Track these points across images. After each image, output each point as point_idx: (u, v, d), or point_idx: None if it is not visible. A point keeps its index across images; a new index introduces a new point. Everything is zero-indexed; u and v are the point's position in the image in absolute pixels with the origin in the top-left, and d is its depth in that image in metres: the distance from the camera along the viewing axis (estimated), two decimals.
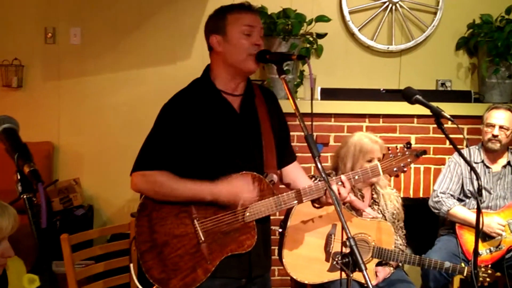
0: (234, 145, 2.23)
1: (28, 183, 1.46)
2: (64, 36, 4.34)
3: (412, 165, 2.41)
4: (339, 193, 2.23)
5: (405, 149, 2.36)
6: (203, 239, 2.18)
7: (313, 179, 2.55)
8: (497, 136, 3.52)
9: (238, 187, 2.15)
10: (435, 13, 4.35)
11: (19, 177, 1.47)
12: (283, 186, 2.41)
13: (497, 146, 3.54)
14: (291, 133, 2.51)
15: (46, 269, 1.52)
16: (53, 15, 4.33)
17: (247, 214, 2.20)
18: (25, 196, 1.45)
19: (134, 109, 4.33)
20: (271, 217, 2.39)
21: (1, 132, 1.57)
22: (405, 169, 2.36)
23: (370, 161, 3.05)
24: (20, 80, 4.31)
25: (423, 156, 2.42)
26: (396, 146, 2.39)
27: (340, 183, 2.26)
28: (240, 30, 2.17)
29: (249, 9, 2.23)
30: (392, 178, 3.56)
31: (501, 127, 3.52)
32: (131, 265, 2.36)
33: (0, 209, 1.77)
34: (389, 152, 2.37)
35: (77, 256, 2.70)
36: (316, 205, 2.35)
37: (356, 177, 2.31)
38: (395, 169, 2.34)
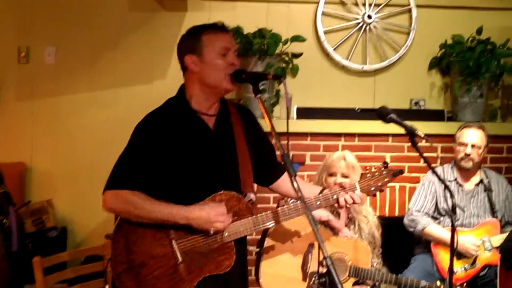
0: (208, 165, 2.22)
1: None
2: (39, 55, 4.31)
3: (383, 190, 2.42)
4: (345, 200, 2.29)
5: (382, 168, 2.38)
6: (180, 259, 2.16)
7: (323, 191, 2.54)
8: (469, 154, 3.55)
9: (211, 214, 2.13)
10: (408, 34, 4.42)
11: None
12: (261, 205, 2.42)
13: (469, 164, 3.58)
14: None
15: None
16: (27, 34, 4.29)
17: (226, 234, 2.19)
18: None
19: (109, 129, 4.29)
20: (249, 238, 2.38)
21: None
22: (382, 188, 2.38)
23: (331, 175, 3.09)
24: None
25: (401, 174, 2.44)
26: (373, 166, 2.40)
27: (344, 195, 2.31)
28: (216, 51, 2.18)
29: (223, 29, 2.24)
30: (368, 197, 3.58)
31: (473, 145, 3.56)
32: (107, 286, 2.32)
33: None
34: (367, 172, 2.38)
35: (50, 279, 2.65)
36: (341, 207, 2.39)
37: (334, 197, 2.32)
38: (372, 188, 2.36)
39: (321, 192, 2.37)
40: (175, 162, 2.17)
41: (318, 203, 2.29)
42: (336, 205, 2.32)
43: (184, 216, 2.13)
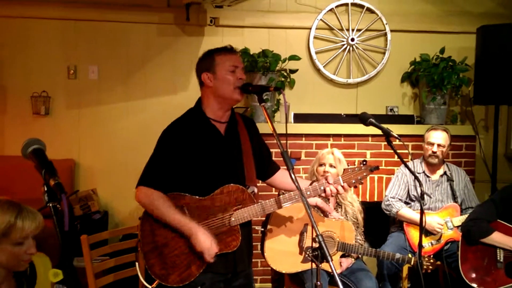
0: (220, 163, 2.22)
1: (53, 193, 1.45)
2: (84, 72, 4.32)
3: (369, 175, 2.41)
4: (331, 190, 2.27)
5: (362, 165, 2.36)
6: None
7: (313, 183, 2.53)
8: (435, 152, 3.54)
9: (207, 246, 2.12)
10: (384, 53, 4.41)
11: (45, 189, 1.46)
12: (262, 193, 2.41)
13: (435, 161, 3.56)
14: (270, 150, 2.52)
15: (68, 264, 1.49)
16: (74, 55, 4.30)
17: (232, 219, 2.19)
18: (50, 205, 1.44)
19: (140, 132, 4.30)
20: (255, 219, 2.38)
21: (31, 152, 1.56)
22: (362, 181, 2.36)
23: (321, 165, 3.09)
24: (47, 108, 4.26)
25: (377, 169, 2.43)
26: (354, 162, 2.40)
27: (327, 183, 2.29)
28: (226, 69, 2.19)
29: (232, 51, 2.25)
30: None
31: (439, 145, 3.54)
32: (137, 263, 2.33)
33: (25, 212, 1.75)
34: (349, 167, 2.38)
35: (95, 253, 2.65)
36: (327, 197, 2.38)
37: (322, 188, 2.31)
38: (353, 181, 2.35)
39: (311, 184, 2.36)
40: (193, 161, 2.18)
41: (308, 193, 2.28)
42: (323, 194, 2.30)
43: (189, 230, 2.13)
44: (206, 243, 2.12)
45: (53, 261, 2.14)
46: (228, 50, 2.24)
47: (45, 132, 4.18)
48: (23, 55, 4.25)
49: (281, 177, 2.45)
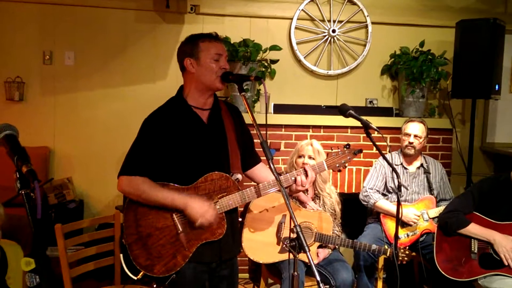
0: (203, 150, 2.20)
1: (26, 181, 1.41)
2: (60, 58, 4.23)
3: (346, 166, 2.41)
4: (301, 180, 2.23)
5: (345, 148, 2.37)
6: (181, 229, 2.14)
7: (281, 175, 2.54)
8: (412, 143, 3.58)
9: (204, 209, 2.11)
10: (365, 45, 4.42)
11: (18, 176, 1.43)
12: (247, 183, 2.40)
13: (412, 151, 3.60)
14: None
15: (41, 253, 1.47)
16: (50, 40, 4.21)
17: (218, 207, 2.17)
18: (23, 192, 1.41)
19: (118, 120, 4.24)
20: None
21: (3, 138, 1.52)
22: (346, 164, 2.36)
23: (300, 156, 3.11)
24: (21, 94, 4.17)
25: (355, 159, 2.44)
26: (338, 146, 2.40)
27: (304, 172, 2.26)
28: (210, 56, 2.17)
29: (217, 39, 2.22)
30: (331, 176, 3.59)
31: (415, 136, 3.59)
32: (121, 255, 2.29)
33: None
34: (332, 151, 2.37)
35: (69, 243, 2.62)
36: (293, 194, 2.35)
37: (293, 178, 2.27)
38: (337, 165, 2.34)
39: (280, 175, 2.35)
40: (176, 149, 2.16)
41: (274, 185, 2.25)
42: (294, 184, 2.27)
43: (183, 202, 2.11)
44: (203, 207, 2.10)
45: (26, 250, 2.11)
46: (213, 37, 2.21)
47: (19, 118, 4.09)
48: None
49: (261, 170, 2.43)
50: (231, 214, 2.25)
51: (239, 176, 2.27)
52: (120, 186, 2.15)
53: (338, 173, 2.49)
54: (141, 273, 2.14)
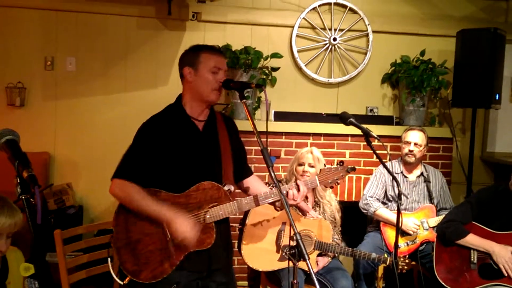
0: (196, 159, 2.21)
1: (26, 186, 1.42)
2: (61, 63, 4.24)
3: (339, 184, 2.41)
4: (293, 194, 2.22)
5: (338, 165, 2.37)
6: (169, 237, 2.14)
7: (269, 186, 2.55)
8: (412, 151, 3.59)
9: (187, 229, 2.10)
10: (366, 54, 4.44)
11: (18, 181, 1.43)
12: (238, 191, 2.40)
13: (412, 159, 3.61)
14: (251, 148, 2.53)
15: (41, 259, 1.47)
16: (52, 46, 4.22)
17: (208, 216, 2.17)
18: (23, 197, 1.41)
19: (119, 126, 4.25)
20: (233, 217, 2.37)
21: (4, 143, 1.53)
22: (338, 181, 2.37)
23: (300, 164, 3.10)
24: (22, 100, 4.17)
25: (357, 166, 2.44)
26: (333, 162, 2.40)
27: (296, 186, 2.25)
28: (209, 68, 2.18)
29: (219, 52, 2.23)
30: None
31: (415, 144, 3.59)
32: (109, 259, 2.30)
33: (5, 209, 1.71)
34: (325, 168, 2.38)
35: (68, 248, 2.61)
36: (277, 208, 2.33)
37: (284, 192, 2.25)
38: (330, 181, 2.35)
39: (280, 182, 2.35)
40: (169, 156, 2.16)
41: (273, 195, 2.24)
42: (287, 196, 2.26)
43: (168, 218, 2.10)
44: (185, 226, 2.10)
45: (26, 255, 2.11)
46: (215, 50, 2.22)
47: (19, 124, 4.08)
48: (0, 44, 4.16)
49: (252, 182, 2.44)
50: (222, 224, 2.25)
51: (231, 187, 2.27)
52: (112, 189, 2.16)
53: (333, 187, 2.46)
54: (128, 278, 2.15)
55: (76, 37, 4.24)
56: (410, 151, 3.58)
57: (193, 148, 2.20)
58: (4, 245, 1.74)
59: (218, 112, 2.39)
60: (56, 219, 3.87)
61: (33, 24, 4.19)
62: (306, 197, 3.16)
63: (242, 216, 2.89)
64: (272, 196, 2.23)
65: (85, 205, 4.26)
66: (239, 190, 2.44)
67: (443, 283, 2.95)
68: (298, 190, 2.25)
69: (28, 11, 4.17)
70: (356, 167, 2.49)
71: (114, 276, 2.22)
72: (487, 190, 3.15)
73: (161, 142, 2.15)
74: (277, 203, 2.29)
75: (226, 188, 2.22)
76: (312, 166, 3.10)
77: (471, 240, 2.95)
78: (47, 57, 4.21)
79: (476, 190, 3.51)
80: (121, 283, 2.15)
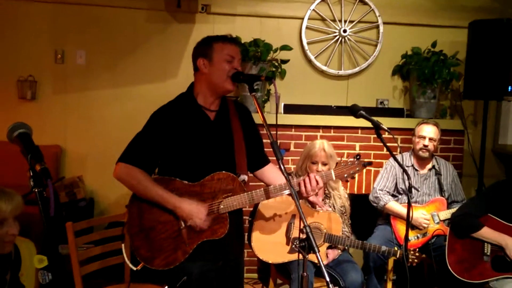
0: (208, 149, 2.21)
1: (39, 179, 1.44)
2: (72, 57, 4.27)
3: (355, 178, 2.38)
4: (309, 187, 2.21)
5: (355, 159, 2.36)
6: (183, 225, 2.16)
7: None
8: (427, 146, 3.56)
9: (195, 212, 2.12)
10: (376, 46, 4.41)
11: (31, 174, 1.45)
12: (252, 184, 2.40)
13: (426, 154, 3.58)
14: None
15: (54, 251, 1.49)
16: (62, 39, 4.25)
17: (221, 207, 2.18)
18: (36, 190, 1.43)
19: (128, 119, 4.28)
20: (243, 209, 2.38)
21: (17, 136, 1.55)
22: (354, 176, 2.35)
23: (313, 163, 3.08)
24: (33, 93, 4.22)
25: (365, 159, 2.43)
26: (343, 154, 2.38)
27: (306, 178, 2.24)
28: (223, 58, 2.18)
29: (232, 41, 2.23)
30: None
31: (430, 139, 3.57)
32: (123, 245, 2.32)
33: (1, 194, 1.74)
34: (341, 161, 2.36)
35: (80, 240, 2.65)
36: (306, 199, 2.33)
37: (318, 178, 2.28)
38: (345, 175, 2.32)
39: (289, 174, 2.34)
40: (180, 145, 2.17)
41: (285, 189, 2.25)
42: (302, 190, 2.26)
43: (173, 203, 2.13)
44: (192, 208, 2.11)
45: (38, 247, 2.13)
46: (228, 39, 2.22)
47: (31, 117, 4.13)
48: (11, 38, 4.20)
49: (270, 171, 2.43)
50: (235, 215, 2.26)
51: (245, 177, 2.27)
52: (117, 173, 2.16)
53: (348, 181, 2.43)
54: (141, 264, 2.17)
55: (86, 31, 4.26)
56: (425, 146, 3.55)
57: (203, 137, 2.20)
58: (14, 228, 1.78)
59: (231, 100, 2.38)
60: (67, 211, 3.92)
61: (43, 17, 4.22)
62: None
63: (252, 209, 2.90)
64: (285, 189, 2.23)
65: (95, 198, 4.30)
66: (253, 182, 2.43)
67: (454, 274, 2.94)
68: (316, 183, 2.23)
69: (38, 4, 4.20)
70: (366, 159, 2.47)
71: (127, 261, 2.24)
72: (502, 183, 3.13)
73: (170, 130, 2.16)
74: (301, 187, 2.25)
75: (240, 178, 2.23)
76: (325, 164, 3.07)
77: (485, 233, 2.93)
78: (58, 50, 4.25)
79: (488, 182, 3.49)
80: (134, 268, 2.17)
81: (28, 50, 4.22)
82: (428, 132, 3.57)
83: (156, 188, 2.13)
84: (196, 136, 2.19)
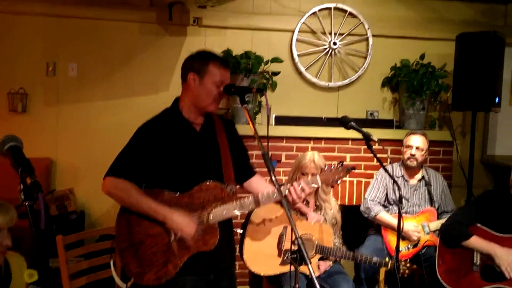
0: (194, 160, 2.21)
1: (30, 192, 1.43)
2: (63, 69, 4.26)
3: (348, 178, 2.42)
4: (295, 191, 2.21)
5: (338, 165, 2.37)
6: (173, 238, 2.14)
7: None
8: (414, 155, 3.59)
9: (185, 223, 2.12)
10: (365, 58, 4.45)
11: (22, 187, 1.44)
12: (241, 195, 2.40)
13: (414, 163, 3.61)
14: (251, 152, 2.52)
15: (44, 264, 1.48)
16: (54, 52, 4.24)
17: (211, 217, 2.17)
18: (27, 203, 1.42)
19: (120, 131, 4.18)
20: (235, 221, 2.37)
21: (8, 149, 1.54)
22: (339, 181, 2.36)
23: (304, 174, 3.08)
24: (24, 106, 4.19)
25: (356, 171, 2.44)
26: (331, 163, 2.40)
27: (291, 187, 2.24)
28: (214, 82, 2.19)
29: (226, 65, 2.24)
30: (332, 189, 3.58)
31: (417, 148, 3.60)
32: (111, 260, 2.30)
33: None
34: (326, 167, 2.38)
35: (70, 254, 2.62)
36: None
37: (286, 191, 2.26)
38: (331, 180, 2.34)
39: (280, 186, 2.33)
40: (167, 156, 2.17)
41: (275, 195, 2.25)
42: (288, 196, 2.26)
43: (163, 214, 2.12)
44: (182, 221, 2.10)
45: (28, 262, 2.11)
46: (224, 64, 2.23)
47: (21, 130, 4.10)
48: (1, 51, 4.17)
49: (257, 182, 2.43)
50: (226, 225, 2.25)
51: (234, 187, 2.27)
52: (105, 187, 2.16)
53: (334, 186, 2.46)
54: (131, 281, 2.14)
55: (78, 43, 4.25)
56: (412, 155, 3.58)
57: (190, 148, 2.21)
58: (8, 239, 1.76)
59: (216, 115, 2.39)
60: (58, 224, 3.87)
61: (35, 30, 4.21)
62: (307, 202, 3.16)
63: (243, 221, 2.89)
64: (274, 197, 2.23)
65: (86, 210, 4.26)
66: (241, 194, 2.43)
67: (444, 284, 2.95)
68: (302, 190, 2.23)
69: (30, 17, 4.19)
70: (357, 171, 2.49)
71: (117, 279, 2.22)
72: (490, 193, 3.16)
73: (156, 142, 2.16)
74: (287, 194, 2.24)
75: (228, 188, 2.23)
76: (315, 175, 3.07)
77: (474, 242, 2.94)
78: (49, 63, 4.23)
79: (477, 192, 3.51)
80: (124, 286, 2.15)
81: (19, 63, 4.20)
82: (415, 141, 3.60)
83: (146, 199, 2.12)
84: (183, 147, 2.19)
